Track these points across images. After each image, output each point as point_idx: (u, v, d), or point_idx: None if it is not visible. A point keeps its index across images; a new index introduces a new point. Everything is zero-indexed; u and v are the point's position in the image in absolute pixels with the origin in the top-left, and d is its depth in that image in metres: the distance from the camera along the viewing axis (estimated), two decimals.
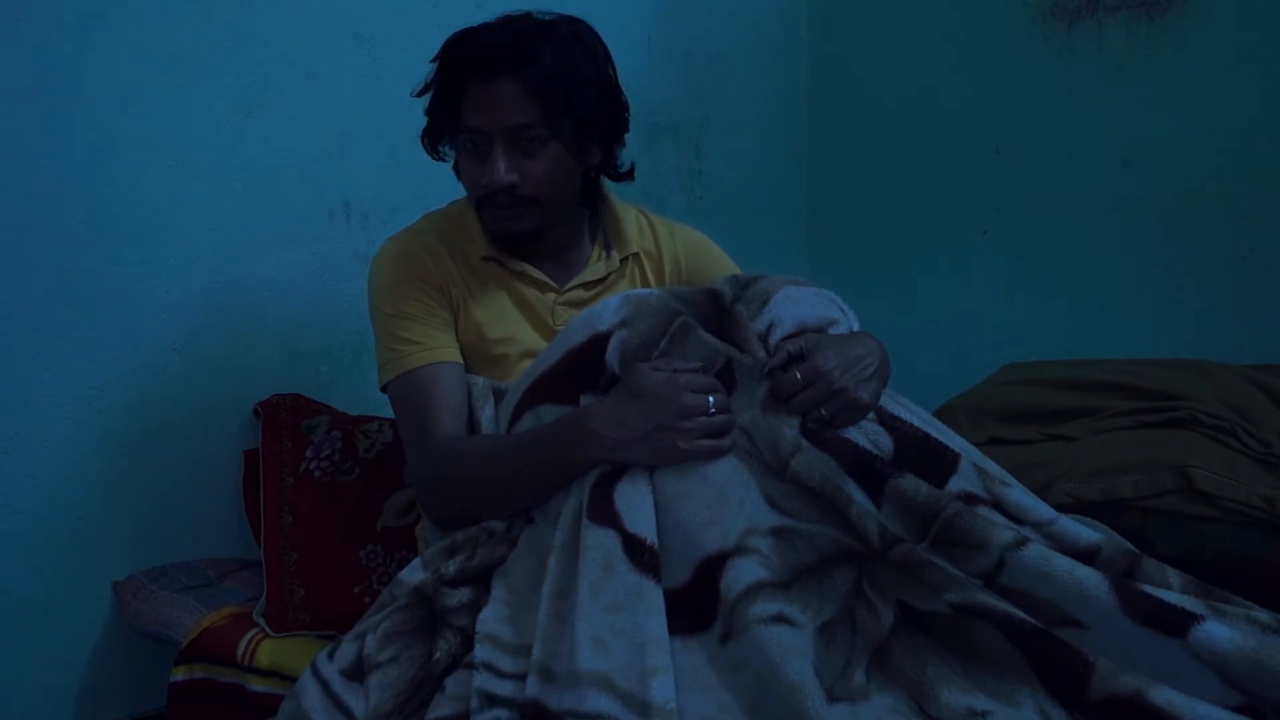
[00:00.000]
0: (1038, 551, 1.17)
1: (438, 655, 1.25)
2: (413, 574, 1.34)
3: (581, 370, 1.35)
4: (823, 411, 1.29)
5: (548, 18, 1.53)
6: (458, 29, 1.54)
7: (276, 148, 1.97)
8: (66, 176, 1.73)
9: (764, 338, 1.35)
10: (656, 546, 1.21)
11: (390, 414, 1.62)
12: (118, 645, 1.82)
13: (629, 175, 1.67)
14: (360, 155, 2.07)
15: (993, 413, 2.11)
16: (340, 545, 1.71)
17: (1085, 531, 1.28)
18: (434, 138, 1.60)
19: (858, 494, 1.23)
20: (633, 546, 1.21)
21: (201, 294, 1.89)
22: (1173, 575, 1.24)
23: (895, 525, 1.21)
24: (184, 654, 1.68)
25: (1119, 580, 1.16)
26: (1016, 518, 1.27)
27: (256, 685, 1.61)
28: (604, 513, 1.24)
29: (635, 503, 1.24)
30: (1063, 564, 1.16)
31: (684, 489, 1.25)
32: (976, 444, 1.81)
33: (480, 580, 1.34)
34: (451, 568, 1.33)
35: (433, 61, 1.54)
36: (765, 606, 1.16)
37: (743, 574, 1.19)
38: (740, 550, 1.21)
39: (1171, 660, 1.11)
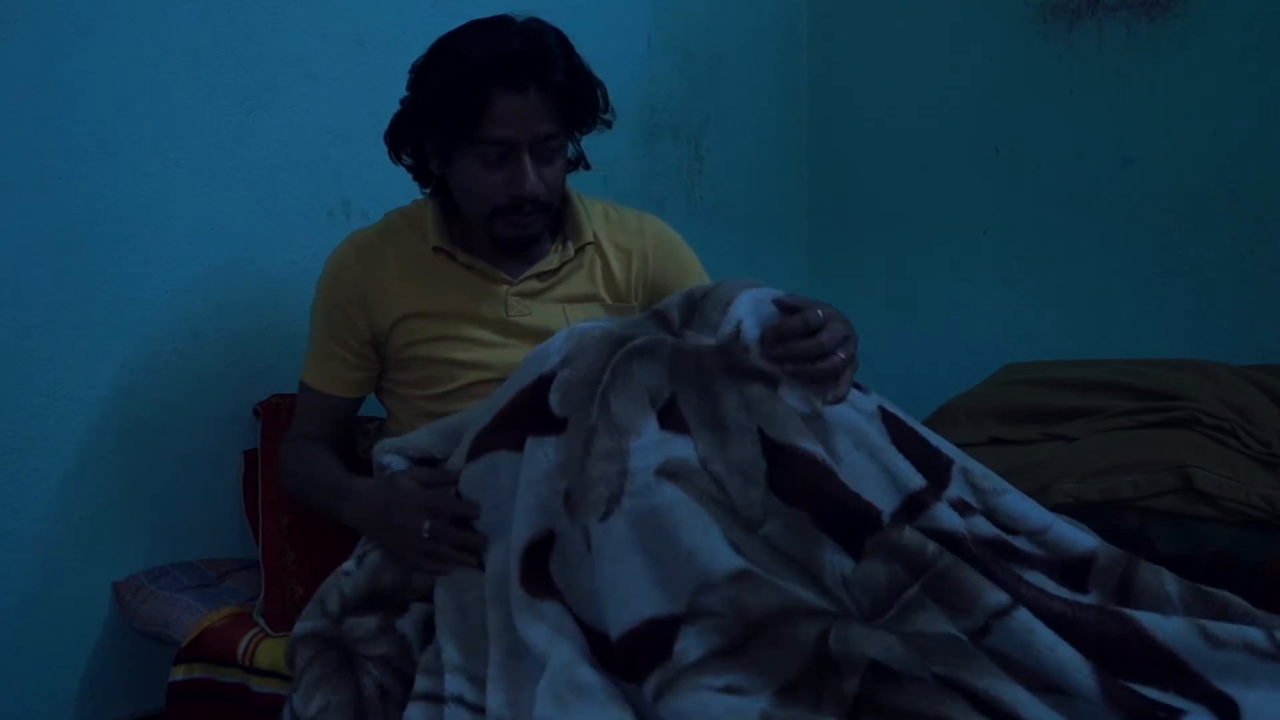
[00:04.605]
0: (1022, 623, 1.14)
1: (367, 692, 1.27)
2: (303, 626, 1.39)
3: (532, 410, 1.32)
4: (840, 391, 1.27)
5: (525, 18, 1.52)
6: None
7: (276, 148, 1.97)
8: (66, 177, 1.73)
9: (733, 339, 1.31)
10: (610, 635, 1.19)
11: (386, 415, 1.71)
12: (118, 645, 1.82)
13: (583, 163, 1.67)
14: (360, 155, 2.07)
15: (993, 413, 2.11)
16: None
17: (1081, 537, 1.28)
18: (418, 142, 1.59)
19: (834, 557, 1.18)
20: (594, 642, 1.20)
21: (202, 294, 1.89)
22: (1170, 581, 1.23)
23: (879, 575, 1.17)
24: (184, 654, 1.68)
25: (1105, 676, 1.12)
26: (1009, 527, 1.27)
27: (256, 685, 1.62)
28: (540, 585, 1.24)
29: (573, 574, 1.24)
30: (1043, 640, 1.13)
31: (621, 548, 1.20)
32: (976, 444, 1.81)
33: (376, 607, 1.38)
34: (333, 604, 1.39)
35: (441, 66, 1.52)
36: (714, 679, 1.13)
37: (692, 645, 1.15)
38: (690, 616, 1.16)
39: None
